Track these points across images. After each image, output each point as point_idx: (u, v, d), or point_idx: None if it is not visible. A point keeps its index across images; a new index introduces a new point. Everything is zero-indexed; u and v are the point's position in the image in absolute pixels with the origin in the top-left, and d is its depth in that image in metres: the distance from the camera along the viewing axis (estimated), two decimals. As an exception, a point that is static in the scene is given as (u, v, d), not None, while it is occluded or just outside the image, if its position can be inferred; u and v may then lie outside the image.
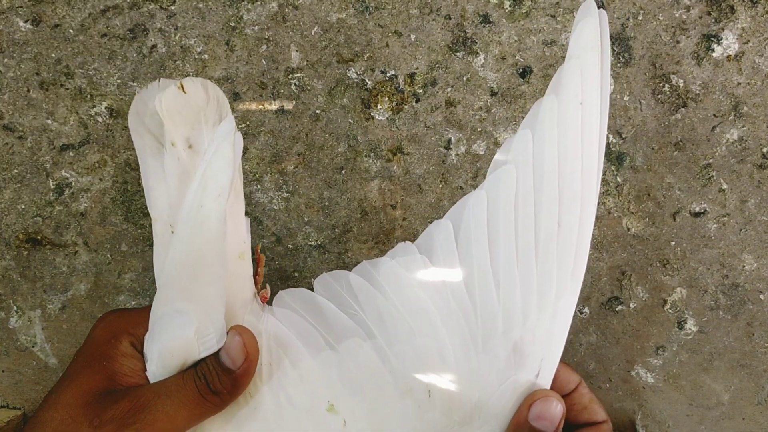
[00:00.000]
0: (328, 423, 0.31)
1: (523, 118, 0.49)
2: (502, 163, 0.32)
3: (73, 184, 0.50)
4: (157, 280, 0.32)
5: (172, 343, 0.30)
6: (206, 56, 0.48)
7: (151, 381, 0.31)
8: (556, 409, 0.30)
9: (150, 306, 0.32)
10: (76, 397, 0.30)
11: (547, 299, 0.31)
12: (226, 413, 0.31)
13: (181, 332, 0.30)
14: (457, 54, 0.48)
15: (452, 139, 0.49)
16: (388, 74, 0.48)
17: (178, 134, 0.31)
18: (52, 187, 0.50)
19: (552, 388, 0.32)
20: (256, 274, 0.36)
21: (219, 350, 0.30)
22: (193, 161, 0.31)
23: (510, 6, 0.47)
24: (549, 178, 0.31)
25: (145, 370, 0.31)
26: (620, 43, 0.47)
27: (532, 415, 0.30)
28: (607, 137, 0.49)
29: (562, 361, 0.32)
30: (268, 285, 0.36)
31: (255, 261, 0.36)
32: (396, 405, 0.31)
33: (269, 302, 0.36)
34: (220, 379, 0.30)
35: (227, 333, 0.31)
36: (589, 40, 0.31)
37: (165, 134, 0.31)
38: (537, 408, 0.30)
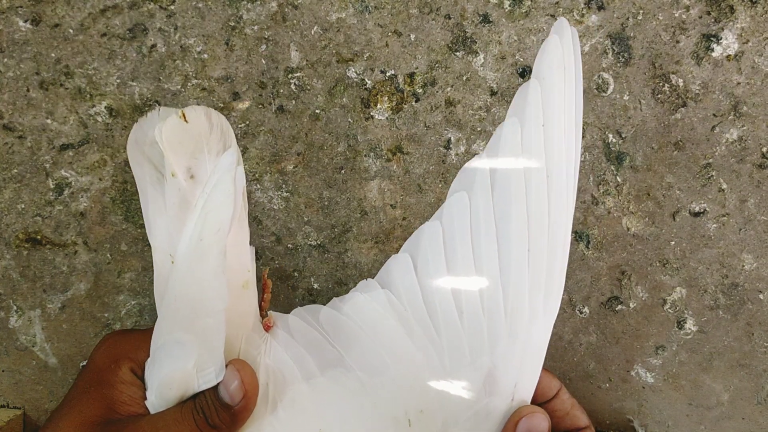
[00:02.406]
0: None
1: (522, 117, 0.49)
2: (456, 191, 0.32)
3: (72, 183, 0.50)
4: (158, 308, 0.31)
5: (171, 374, 0.30)
6: (206, 56, 0.48)
7: (151, 411, 0.31)
8: (542, 424, 0.30)
9: (152, 328, 0.32)
10: (74, 427, 0.30)
11: (519, 324, 0.31)
12: None
13: (180, 365, 0.30)
14: (457, 53, 0.48)
15: (452, 138, 0.49)
16: (387, 74, 0.48)
17: (178, 165, 0.30)
18: (52, 186, 0.50)
19: (533, 394, 0.32)
20: (261, 300, 0.35)
21: (218, 384, 0.30)
22: (194, 191, 0.31)
23: (510, 5, 0.47)
24: (516, 202, 0.31)
25: (145, 398, 0.31)
26: (620, 42, 0.47)
27: (520, 431, 0.30)
28: (607, 136, 0.49)
29: (543, 367, 0.32)
30: (271, 313, 0.35)
31: (262, 287, 0.36)
32: None
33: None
34: (219, 414, 0.30)
35: (226, 367, 0.30)
36: (553, 59, 0.30)
37: (165, 164, 0.30)
38: (524, 425, 0.30)
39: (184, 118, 0.30)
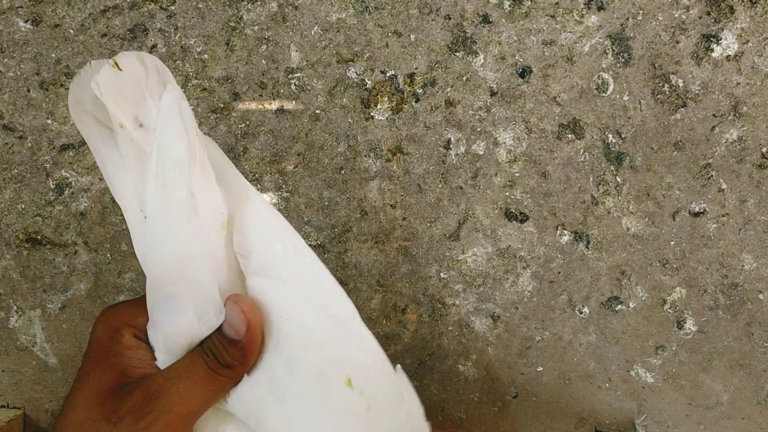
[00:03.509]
0: (349, 397, 0.29)
1: (522, 117, 0.49)
2: None
3: (73, 183, 0.50)
4: (144, 268, 0.31)
5: (173, 329, 0.30)
6: (206, 56, 0.48)
7: (162, 369, 0.31)
8: None
9: (144, 295, 0.32)
10: (90, 397, 0.30)
11: None
12: None
13: (179, 317, 0.29)
14: (457, 54, 0.48)
15: (452, 138, 0.49)
16: (387, 74, 0.48)
17: (124, 115, 0.30)
18: (52, 186, 0.50)
19: None
20: None
21: (222, 324, 0.30)
22: (147, 139, 0.30)
23: (509, 6, 0.47)
24: None
25: (155, 359, 0.31)
26: (620, 43, 0.47)
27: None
28: (607, 137, 0.49)
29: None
30: None
31: None
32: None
33: None
34: (228, 351, 0.29)
35: (225, 305, 0.30)
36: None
37: (111, 117, 0.30)
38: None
39: (117, 66, 0.29)
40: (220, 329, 0.30)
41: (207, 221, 0.30)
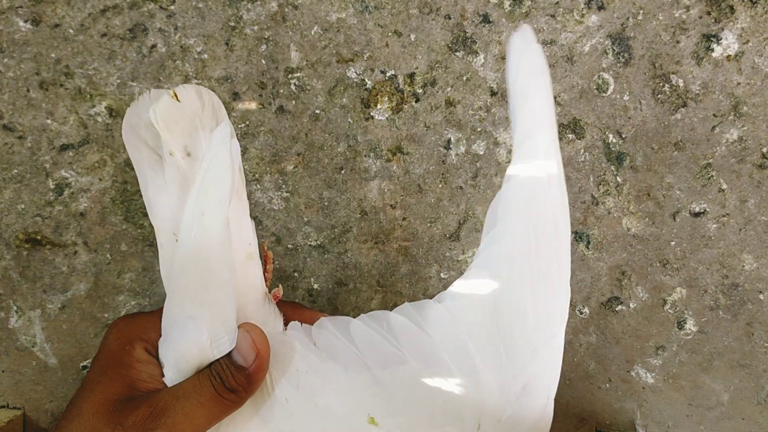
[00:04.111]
0: None
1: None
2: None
3: (72, 184, 0.50)
4: (166, 287, 0.32)
5: (186, 349, 0.31)
6: (206, 56, 0.48)
7: (169, 386, 0.31)
8: None
9: (160, 309, 0.32)
10: (97, 406, 0.30)
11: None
12: (254, 410, 0.32)
13: (194, 338, 0.30)
14: (457, 54, 0.48)
15: (452, 138, 0.49)
16: (387, 74, 0.48)
17: (175, 143, 0.31)
18: (52, 187, 0.50)
19: None
20: (265, 271, 0.36)
21: (232, 350, 0.31)
22: (193, 169, 0.32)
23: (510, 6, 0.47)
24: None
25: (163, 375, 0.32)
26: (620, 43, 0.47)
27: None
28: (607, 137, 0.49)
29: None
30: (279, 284, 0.36)
31: (263, 259, 0.36)
32: None
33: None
34: (235, 377, 0.30)
35: (237, 331, 0.31)
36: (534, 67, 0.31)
37: (162, 145, 0.31)
38: None
39: (176, 97, 0.31)
40: (229, 355, 0.31)
41: (236, 250, 0.32)
